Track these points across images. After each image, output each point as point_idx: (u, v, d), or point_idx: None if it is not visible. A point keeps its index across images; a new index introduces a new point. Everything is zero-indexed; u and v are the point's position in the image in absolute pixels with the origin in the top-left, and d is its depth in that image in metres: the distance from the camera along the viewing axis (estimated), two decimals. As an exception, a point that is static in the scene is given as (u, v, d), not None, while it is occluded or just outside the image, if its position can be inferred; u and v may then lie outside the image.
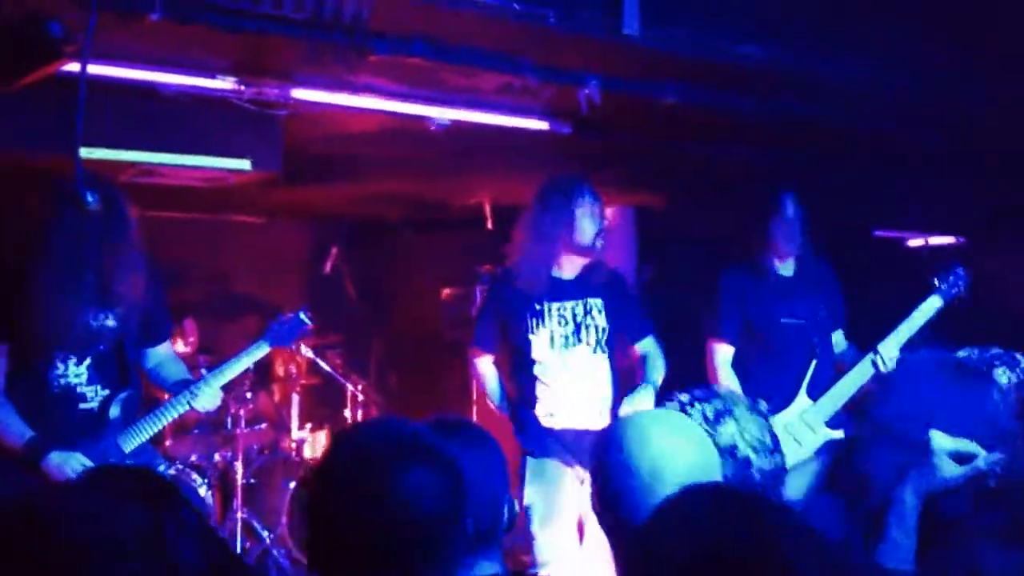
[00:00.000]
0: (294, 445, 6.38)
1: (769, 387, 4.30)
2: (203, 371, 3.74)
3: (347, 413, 6.92)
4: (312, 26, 3.13)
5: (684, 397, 2.13)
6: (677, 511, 1.42)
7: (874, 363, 4.26)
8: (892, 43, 4.24)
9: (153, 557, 1.34)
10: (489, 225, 7.17)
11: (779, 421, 4.22)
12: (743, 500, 1.45)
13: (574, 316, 4.11)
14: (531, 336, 4.09)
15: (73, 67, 3.08)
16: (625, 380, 4.29)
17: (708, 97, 4.30)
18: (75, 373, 3.38)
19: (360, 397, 6.89)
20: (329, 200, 7.46)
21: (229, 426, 5.97)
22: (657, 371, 4.22)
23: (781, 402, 4.32)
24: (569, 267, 4.16)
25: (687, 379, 4.82)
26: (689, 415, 2.06)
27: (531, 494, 4.04)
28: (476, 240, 7.52)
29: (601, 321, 4.14)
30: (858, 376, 4.30)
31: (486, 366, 4.33)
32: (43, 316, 3.22)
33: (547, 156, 5.33)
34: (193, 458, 5.77)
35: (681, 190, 6.71)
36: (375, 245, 8.25)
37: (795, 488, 4.19)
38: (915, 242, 7.11)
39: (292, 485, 5.79)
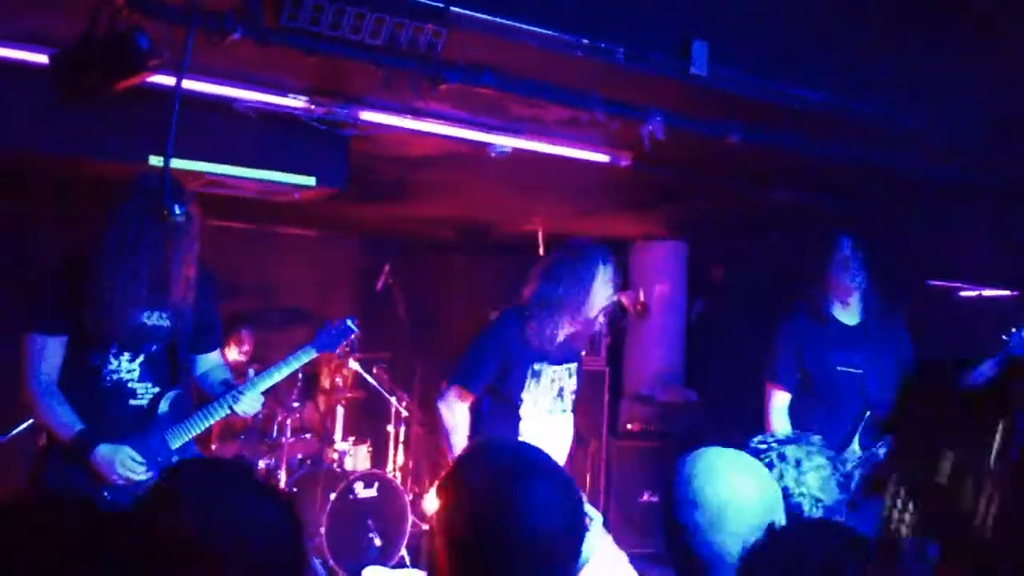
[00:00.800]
0: (336, 457, 6.45)
1: (822, 435, 4.27)
2: (251, 371, 3.81)
3: (390, 428, 6.99)
4: (387, 52, 3.20)
5: (757, 439, 2.22)
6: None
7: None
8: (955, 91, 4.24)
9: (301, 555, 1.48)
10: (541, 252, 7.22)
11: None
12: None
13: (559, 379, 4.13)
14: (524, 394, 4.03)
15: (153, 80, 3.19)
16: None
17: (770, 139, 4.32)
18: (127, 369, 3.44)
19: (404, 413, 6.96)
20: (384, 218, 7.57)
21: (275, 434, 6.06)
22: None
23: (833, 450, 4.28)
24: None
25: (733, 412, 4.85)
26: (759, 456, 2.16)
27: None
28: (527, 266, 7.57)
29: (575, 384, 4.21)
30: None
31: (463, 412, 4.03)
32: (100, 311, 3.31)
33: (604, 188, 5.39)
34: (237, 464, 5.85)
35: (736, 228, 6.71)
36: (427, 264, 8.35)
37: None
38: (968, 293, 7.03)
39: (332, 496, 5.84)
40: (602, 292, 4.00)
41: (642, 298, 5.04)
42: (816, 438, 2.59)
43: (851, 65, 4.01)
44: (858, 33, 3.97)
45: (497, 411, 4.04)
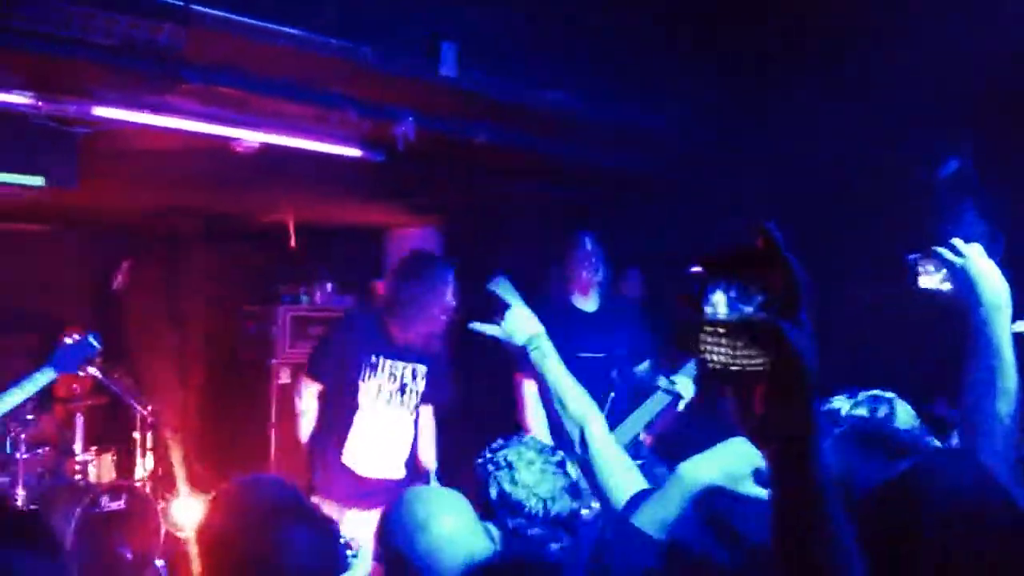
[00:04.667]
0: (78, 468, 6.06)
1: None
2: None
3: (136, 435, 6.63)
4: (121, 53, 3.02)
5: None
6: None
7: (671, 394, 4.41)
8: (689, 96, 4.52)
9: None
10: (292, 243, 7.06)
11: (576, 453, 4.38)
12: None
13: (401, 375, 4.31)
14: (360, 382, 4.22)
15: None
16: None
17: (517, 138, 4.44)
18: None
19: (150, 419, 6.63)
20: (121, 211, 7.13)
21: (8, 450, 5.62)
22: (431, 448, 4.55)
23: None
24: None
25: (497, 410, 4.95)
26: (478, 469, 2.23)
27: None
28: (278, 258, 7.37)
29: (421, 386, 4.37)
30: (654, 406, 4.46)
31: (311, 399, 4.33)
32: None
33: (357, 180, 5.34)
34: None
35: (490, 221, 6.85)
36: (165, 258, 7.92)
37: None
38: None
39: (78, 511, 5.49)
40: (448, 295, 4.22)
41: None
42: (528, 437, 2.69)
43: (602, 71, 4.18)
44: (604, 44, 4.14)
45: (337, 399, 4.25)
